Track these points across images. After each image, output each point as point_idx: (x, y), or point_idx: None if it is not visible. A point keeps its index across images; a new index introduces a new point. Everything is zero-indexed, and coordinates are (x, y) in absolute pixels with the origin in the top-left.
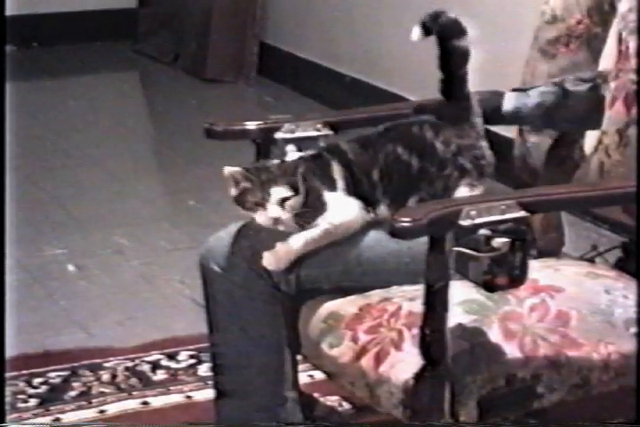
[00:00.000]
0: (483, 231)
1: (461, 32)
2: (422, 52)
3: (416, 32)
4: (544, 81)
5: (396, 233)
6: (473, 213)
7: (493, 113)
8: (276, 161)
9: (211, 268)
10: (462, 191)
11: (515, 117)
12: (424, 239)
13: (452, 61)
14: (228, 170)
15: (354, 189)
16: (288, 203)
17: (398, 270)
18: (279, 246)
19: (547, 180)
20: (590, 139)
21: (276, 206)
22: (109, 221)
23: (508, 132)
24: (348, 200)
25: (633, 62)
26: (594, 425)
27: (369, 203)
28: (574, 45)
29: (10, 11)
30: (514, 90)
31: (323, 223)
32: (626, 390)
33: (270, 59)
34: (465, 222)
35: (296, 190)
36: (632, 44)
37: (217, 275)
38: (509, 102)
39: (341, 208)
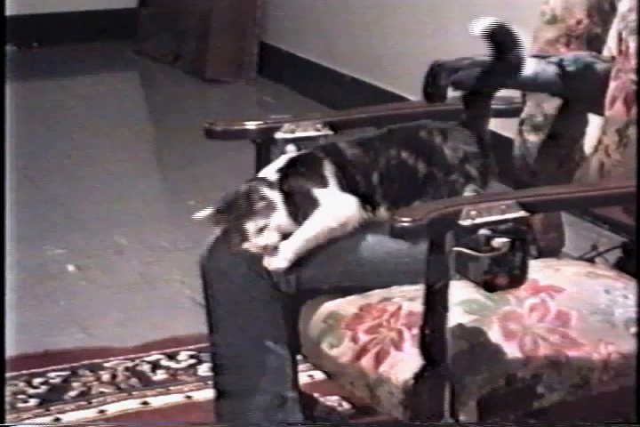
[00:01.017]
0: (483, 231)
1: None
2: (422, 53)
3: (480, 27)
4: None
5: (396, 233)
6: (473, 213)
7: (507, 74)
8: (242, 186)
9: (211, 268)
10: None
11: (533, 83)
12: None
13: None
14: (197, 218)
15: (348, 188)
16: (269, 228)
17: (398, 270)
18: (279, 246)
19: (547, 180)
20: (590, 139)
21: (257, 238)
22: (109, 221)
23: (509, 132)
24: (342, 195)
25: (633, 62)
26: (594, 425)
27: (367, 202)
28: (574, 45)
29: (10, 11)
30: (534, 56)
31: (320, 219)
32: (626, 390)
33: (270, 59)
34: (465, 222)
35: (269, 212)
36: (632, 44)
37: (217, 275)
38: (530, 67)
39: (337, 203)
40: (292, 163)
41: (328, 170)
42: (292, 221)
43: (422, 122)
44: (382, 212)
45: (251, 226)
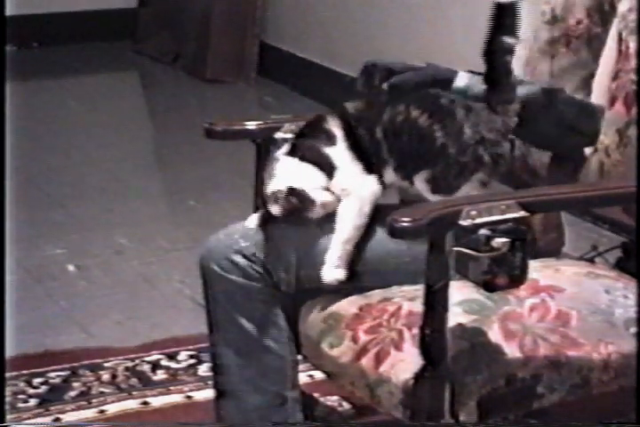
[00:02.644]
0: (483, 231)
1: (513, 33)
2: (422, 53)
3: None
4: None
5: (396, 233)
6: (473, 213)
7: (442, 84)
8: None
9: (211, 268)
10: (471, 186)
11: (462, 94)
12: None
13: (497, 52)
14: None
15: (354, 145)
16: (301, 188)
17: (398, 270)
18: (328, 260)
19: (547, 180)
20: None
21: (284, 201)
22: (109, 221)
23: None
24: (361, 176)
25: (633, 62)
26: (594, 425)
27: (374, 166)
28: (574, 45)
29: (10, 11)
30: (469, 71)
31: (351, 212)
32: (626, 390)
33: (270, 59)
34: (465, 222)
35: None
36: (632, 44)
37: (217, 275)
38: (462, 80)
39: (360, 187)
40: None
41: (334, 125)
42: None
43: (447, 93)
44: (390, 174)
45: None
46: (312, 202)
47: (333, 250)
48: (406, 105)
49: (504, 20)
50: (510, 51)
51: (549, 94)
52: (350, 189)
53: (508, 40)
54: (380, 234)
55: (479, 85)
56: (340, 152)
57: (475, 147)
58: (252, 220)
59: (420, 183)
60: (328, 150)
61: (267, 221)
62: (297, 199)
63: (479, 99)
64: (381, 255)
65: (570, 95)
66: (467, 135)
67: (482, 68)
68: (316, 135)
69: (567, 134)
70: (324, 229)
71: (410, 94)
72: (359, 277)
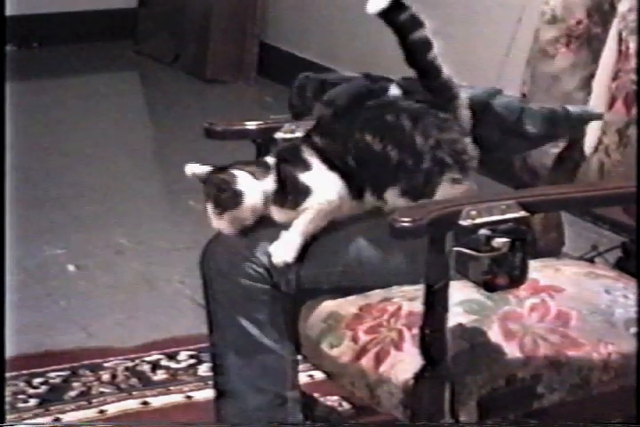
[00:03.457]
0: (483, 231)
1: (419, 25)
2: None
3: (379, 4)
4: (544, 81)
5: (396, 233)
6: (473, 213)
7: (377, 94)
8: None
9: (211, 268)
10: (445, 187)
11: (394, 105)
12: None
13: (415, 53)
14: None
15: (331, 170)
16: (227, 216)
17: (398, 270)
18: (281, 238)
19: (547, 180)
20: (590, 139)
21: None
22: (109, 221)
23: None
24: (327, 176)
25: (633, 62)
26: (594, 425)
27: (352, 186)
28: (574, 45)
29: (10, 11)
30: (403, 78)
31: (312, 204)
32: (626, 390)
33: (270, 59)
34: (465, 222)
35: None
36: (632, 44)
37: (217, 275)
38: (395, 89)
39: (325, 185)
40: (278, 154)
41: (308, 154)
42: (284, 205)
43: (391, 101)
44: (369, 197)
45: (210, 208)
46: (238, 193)
47: (290, 234)
48: (360, 131)
49: (397, 18)
50: (427, 46)
51: (489, 96)
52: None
53: (417, 35)
54: (380, 234)
55: (417, 89)
56: (315, 175)
57: (432, 152)
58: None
59: (396, 199)
60: (303, 177)
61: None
62: (224, 184)
63: (421, 102)
64: (381, 255)
65: (513, 99)
66: (419, 143)
67: (483, 67)
68: (294, 164)
69: (507, 137)
70: (324, 229)
71: (359, 119)
72: (358, 277)
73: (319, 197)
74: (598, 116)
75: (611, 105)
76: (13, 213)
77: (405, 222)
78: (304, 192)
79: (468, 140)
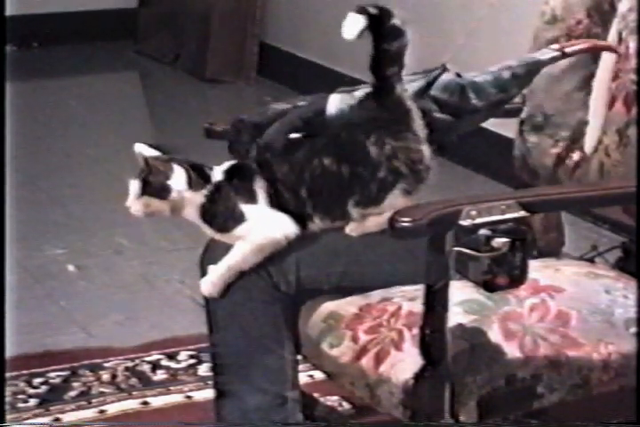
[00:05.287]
0: (483, 231)
1: (399, 34)
2: (421, 53)
3: (354, 29)
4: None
5: (396, 233)
6: (473, 213)
7: (317, 119)
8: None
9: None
10: (395, 195)
11: (340, 122)
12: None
13: (383, 63)
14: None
15: (278, 206)
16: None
17: (398, 270)
18: (210, 272)
19: (547, 180)
20: (590, 139)
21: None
22: (109, 221)
23: (508, 132)
24: (273, 214)
25: (633, 62)
26: (594, 425)
27: (298, 218)
28: None
29: (10, 11)
30: (340, 91)
31: (249, 240)
32: (626, 390)
33: (270, 59)
34: (465, 222)
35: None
36: (632, 44)
37: None
38: (333, 105)
39: (267, 223)
40: (229, 172)
41: (259, 186)
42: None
43: (347, 117)
44: (318, 223)
45: (133, 186)
46: (165, 188)
47: (219, 267)
48: (319, 157)
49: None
50: (396, 55)
51: (427, 85)
52: (258, 220)
53: (389, 46)
54: (380, 235)
55: (358, 102)
56: (258, 210)
57: (387, 162)
58: None
59: (352, 209)
60: (244, 207)
61: None
62: (157, 173)
63: (359, 119)
64: (381, 255)
65: (451, 79)
66: (375, 154)
67: (485, 67)
68: (240, 192)
69: (458, 117)
70: (324, 230)
71: (314, 145)
72: (358, 277)
73: (259, 232)
74: (548, 62)
75: (611, 105)
76: (13, 213)
77: (405, 222)
78: (237, 219)
79: (424, 147)
